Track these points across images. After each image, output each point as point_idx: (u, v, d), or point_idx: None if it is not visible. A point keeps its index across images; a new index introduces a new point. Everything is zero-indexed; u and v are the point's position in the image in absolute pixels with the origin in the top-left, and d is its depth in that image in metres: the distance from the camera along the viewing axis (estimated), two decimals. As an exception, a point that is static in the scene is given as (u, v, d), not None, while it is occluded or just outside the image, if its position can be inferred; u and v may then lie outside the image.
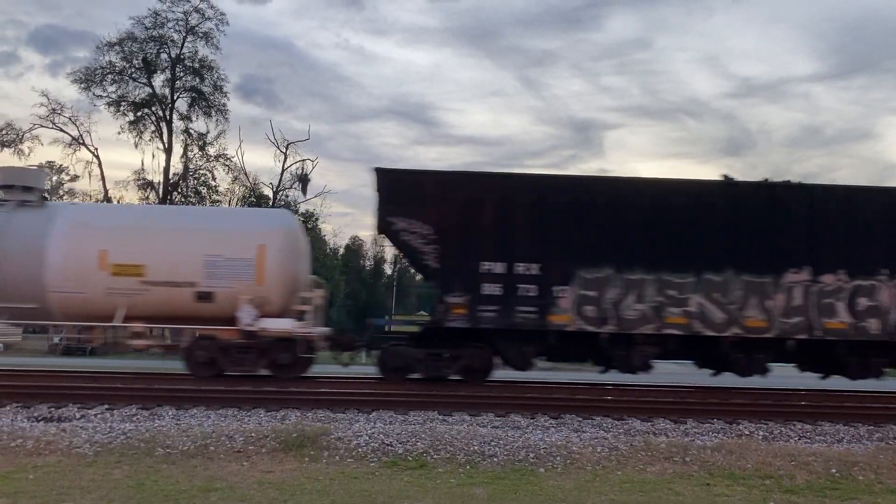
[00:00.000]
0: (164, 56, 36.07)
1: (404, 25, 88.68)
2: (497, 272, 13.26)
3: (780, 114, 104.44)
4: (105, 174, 37.42)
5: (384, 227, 13.44)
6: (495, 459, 8.24)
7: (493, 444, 8.60)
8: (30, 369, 15.01)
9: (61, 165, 41.53)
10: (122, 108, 36.09)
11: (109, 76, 35.88)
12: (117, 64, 35.82)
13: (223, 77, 37.07)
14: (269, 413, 10.53)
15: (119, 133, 38.74)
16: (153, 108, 36.49)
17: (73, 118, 36.23)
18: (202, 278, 13.17)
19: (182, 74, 36.41)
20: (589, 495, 7.04)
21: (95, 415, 10.16)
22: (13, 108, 77.97)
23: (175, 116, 36.64)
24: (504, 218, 13.30)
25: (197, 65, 36.28)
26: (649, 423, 10.67)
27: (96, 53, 36.49)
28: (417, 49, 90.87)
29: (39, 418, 9.77)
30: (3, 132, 35.91)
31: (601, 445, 8.70)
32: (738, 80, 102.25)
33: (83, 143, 36.37)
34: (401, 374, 13.51)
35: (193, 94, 36.57)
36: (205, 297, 13.19)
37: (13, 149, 35.89)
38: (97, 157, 36.95)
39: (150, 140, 36.57)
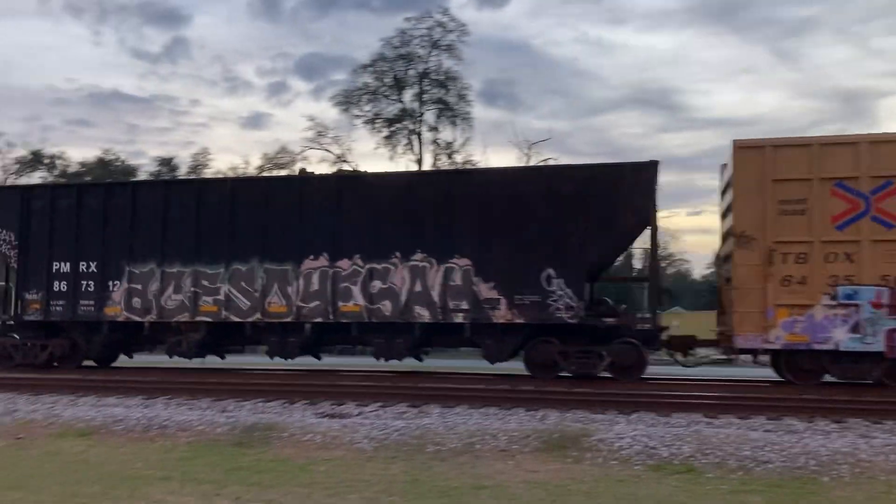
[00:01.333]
0: (411, 72, 38.21)
1: (643, 11, 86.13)
2: (64, 271, 15.64)
3: None
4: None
5: None
6: (770, 466, 7.70)
7: (766, 449, 8.05)
8: (313, 368, 16.54)
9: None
10: (376, 125, 38.80)
11: (365, 96, 38.71)
12: (371, 84, 38.54)
13: (466, 86, 38.51)
14: (528, 412, 10.71)
15: (375, 148, 41.60)
16: (404, 123, 38.79)
17: (335, 138, 39.58)
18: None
19: (429, 88, 38.31)
20: (885, 510, 6.36)
21: (371, 412, 10.97)
22: (285, 132, 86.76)
23: (424, 128, 38.68)
24: (71, 223, 15.63)
25: (442, 77, 38.00)
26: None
27: (353, 76, 39.60)
28: (658, 33, 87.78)
29: (324, 415, 10.73)
30: (279, 155, 40.11)
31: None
32: None
33: (345, 160, 39.57)
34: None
35: (440, 106, 38.33)
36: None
37: (287, 171, 39.98)
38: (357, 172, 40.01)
39: (403, 152, 38.91)
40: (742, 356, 14.20)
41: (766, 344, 12.44)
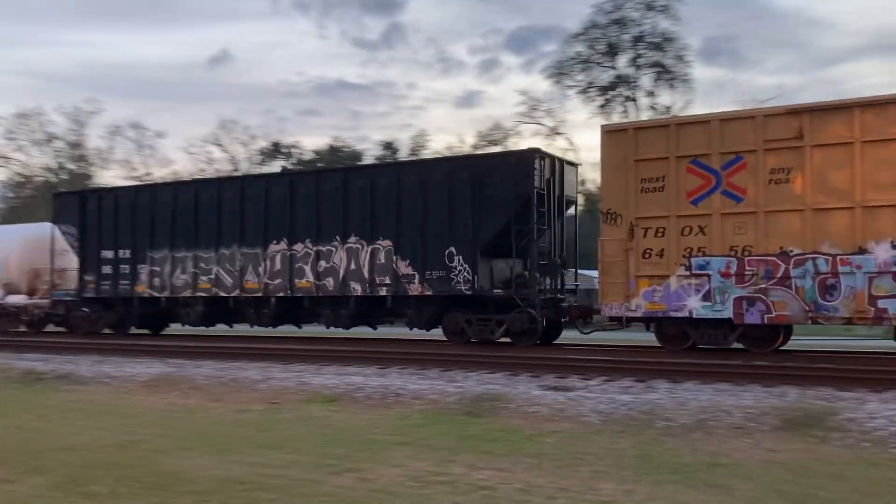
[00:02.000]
0: (625, 37, 37.10)
1: (886, -54, 77.05)
2: (109, 258, 19.56)
3: None
4: (580, 158, 40.00)
5: None
6: None
7: None
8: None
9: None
10: (590, 94, 38.17)
11: (577, 65, 38.20)
12: (583, 52, 37.95)
13: (684, 46, 36.75)
14: (765, 389, 10.11)
15: (589, 118, 40.99)
16: (619, 90, 37.83)
17: (548, 110, 39.46)
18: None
19: (644, 51, 37.02)
20: None
21: (595, 385, 10.90)
22: (498, 108, 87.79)
23: (640, 94, 37.46)
24: (112, 218, 19.63)
25: (658, 39, 36.55)
26: None
27: (564, 46, 39.20)
28: (905, -30, 78.26)
29: (548, 387, 10.81)
30: (492, 132, 40.71)
31: None
32: None
33: (559, 133, 39.38)
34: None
35: (657, 69, 36.93)
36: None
37: (501, 147, 40.50)
38: (571, 143, 39.73)
39: (618, 121, 37.99)
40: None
41: (629, 312, 13.47)
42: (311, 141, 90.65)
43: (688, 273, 13.00)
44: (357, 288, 16.23)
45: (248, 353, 15.04)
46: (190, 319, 18.97)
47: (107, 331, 20.40)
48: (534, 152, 15.10)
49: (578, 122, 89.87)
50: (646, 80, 37.43)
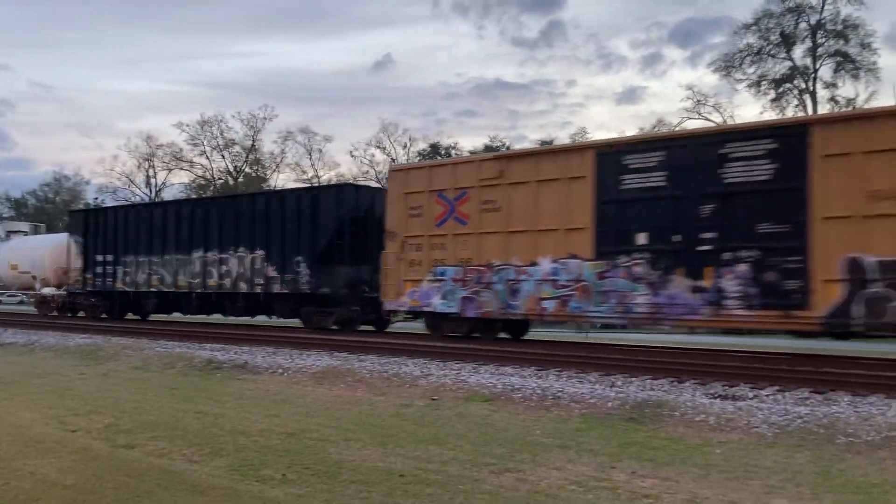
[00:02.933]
0: (802, 26, 34.85)
1: None
2: (99, 261, 25.16)
3: None
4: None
5: None
6: None
7: None
8: (700, 347, 16.06)
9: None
10: (762, 88, 36.17)
11: (748, 57, 36.32)
12: (755, 44, 36.02)
13: (870, 33, 34.01)
14: (965, 407, 9.12)
15: (761, 112, 38.84)
16: (795, 82, 35.59)
17: (716, 105, 37.78)
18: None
19: (824, 40, 34.60)
20: None
21: (767, 395, 10.28)
22: (661, 104, 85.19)
23: (819, 85, 35.07)
24: (101, 231, 25.35)
25: (839, 26, 34.04)
26: None
27: (733, 38, 37.40)
28: None
29: (716, 395, 10.31)
30: (656, 129, 39.41)
31: None
32: None
33: (728, 129, 37.56)
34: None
35: (838, 59, 34.42)
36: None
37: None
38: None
39: (794, 114, 35.72)
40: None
41: (400, 307, 17.61)
42: (468, 141, 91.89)
43: (433, 278, 16.76)
44: (243, 286, 20.96)
45: (408, 349, 15.41)
46: (148, 309, 25.05)
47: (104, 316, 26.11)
48: (348, 186, 21.80)
49: (749, 118, 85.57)
50: (825, 70, 34.99)
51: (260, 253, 20.59)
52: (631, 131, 44.63)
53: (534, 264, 15.14)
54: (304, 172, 57.58)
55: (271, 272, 20.21)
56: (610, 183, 14.38)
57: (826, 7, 34.08)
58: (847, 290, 11.89)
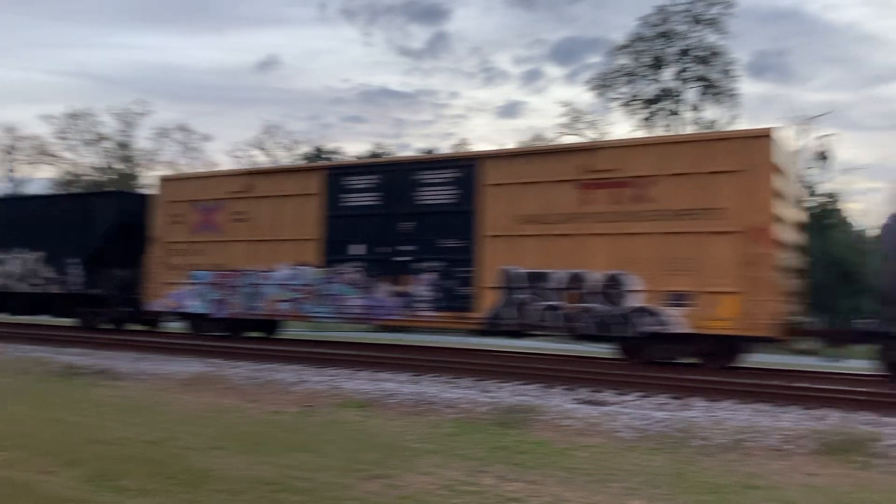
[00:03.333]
0: (671, 50, 36.73)
1: (944, -37, 75.08)
2: None
3: None
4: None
5: None
6: None
7: None
8: (570, 354, 16.60)
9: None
10: (634, 107, 37.82)
11: (622, 78, 37.90)
12: (628, 65, 37.64)
13: (732, 60, 36.25)
14: (805, 411, 9.88)
15: (632, 130, 40.64)
16: (663, 103, 37.42)
17: (590, 122, 39.24)
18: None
19: (690, 65, 36.60)
20: None
21: (630, 401, 10.75)
22: (540, 119, 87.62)
23: (685, 108, 37.02)
24: None
25: (705, 53, 36.11)
26: None
27: (608, 58, 39.00)
28: (963, -12, 76.15)
29: (582, 401, 10.69)
30: (533, 143, 40.52)
31: None
32: None
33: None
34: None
35: (703, 83, 36.48)
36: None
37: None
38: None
39: (662, 133, 37.54)
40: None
41: (160, 308, 18.92)
42: (354, 147, 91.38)
43: (190, 282, 18.14)
44: (24, 286, 21.28)
45: (283, 355, 15.14)
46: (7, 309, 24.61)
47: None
48: (121, 193, 23.05)
49: (621, 135, 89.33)
50: (691, 94, 37.00)
51: (40, 254, 21.13)
52: (510, 144, 45.67)
53: (273, 270, 17.11)
54: (180, 170, 55.50)
55: (50, 273, 20.82)
56: (335, 200, 16.59)
57: (693, 34, 36.13)
58: (502, 296, 14.36)
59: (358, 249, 16.18)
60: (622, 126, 78.55)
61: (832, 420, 9.26)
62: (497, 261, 14.43)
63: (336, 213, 16.53)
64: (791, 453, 7.84)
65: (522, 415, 9.48)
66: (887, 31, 73.43)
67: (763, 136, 12.56)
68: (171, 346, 16.50)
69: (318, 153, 53.66)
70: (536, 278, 14.00)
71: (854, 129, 69.81)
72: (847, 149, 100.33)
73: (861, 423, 9.01)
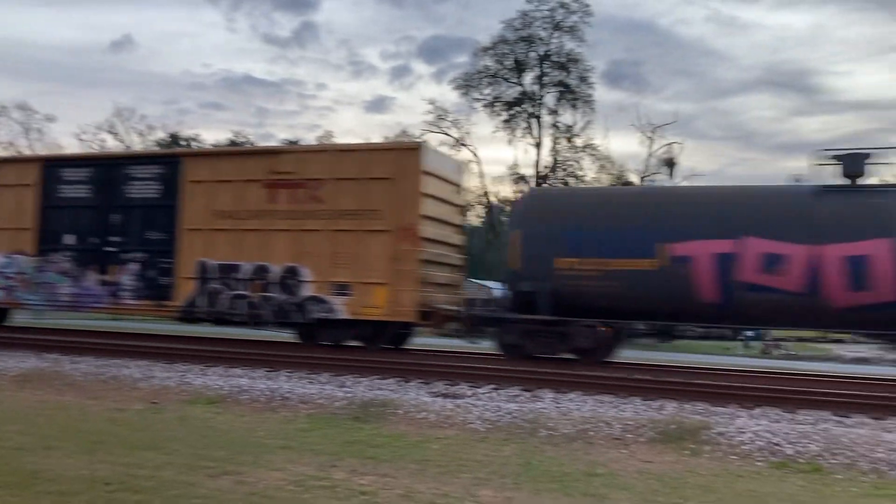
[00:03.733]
0: (532, 55, 37.83)
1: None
2: None
3: None
4: (483, 171, 40.48)
5: None
6: (907, 470, 7.22)
7: (904, 452, 7.55)
8: (428, 349, 16.78)
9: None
10: (496, 108, 38.69)
11: (485, 79, 38.67)
12: (491, 67, 38.45)
13: (588, 68, 37.77)
14: (645, 402, 10.47)
15: (494, 132, 41.56)
16: (524, 106, 38.49)
17: (455, 121, 39.79)
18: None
19: (549, 70, 37.84)
20: None
21: (484, 393, 11.01)
22: (407, 115, 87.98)
23: (544, 111, 38.26)
24: None
25: (563, 59, 37.43)
26: None
27: (473, 59, 39.64)
28: (794, 11, 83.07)
29: (438, 394, 10.85)
30: (400, 139, 40.68)
31: None
32: None
33: (464, 144, 39.74)
34: None
35: (561, 89, 37.80)
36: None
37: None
38: (476, 155, 40.14)
39: (522, 136, 38.67)
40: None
41: None
42: (213, 135, 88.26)
43: None
44: None
45: (130, 350, 14.44)
46: None
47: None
48: None
49: (484, 136, 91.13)
50: (550, 98, 38.27)
51: None
52: (378, 139, 45.51)
53: None
54: (20, 152, 51.65)
55: None
56: (51, 191, 16.94)
57: (553, 40, 37.40)
58: (197, 285, 15.42)
59: (70, 239, 16.76)
60: (485, 126, 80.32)
61: (669, 410, 9.87)
62: (195, 253, 15.48)
63: (51, 204, 16.92)
64: (630, 442, 8.29)
65: (378, 409, 9.51)
66: (728, 48, 79.04)
67: (414, 149, 14.62)
68: (2, 340, 15.36)
69: (174, 140, 51.53)
70: (227, 269, 15.17)
71: (698, 139, 74.72)
72: (691, 157, 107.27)
73: (693, 413, 9.66)
